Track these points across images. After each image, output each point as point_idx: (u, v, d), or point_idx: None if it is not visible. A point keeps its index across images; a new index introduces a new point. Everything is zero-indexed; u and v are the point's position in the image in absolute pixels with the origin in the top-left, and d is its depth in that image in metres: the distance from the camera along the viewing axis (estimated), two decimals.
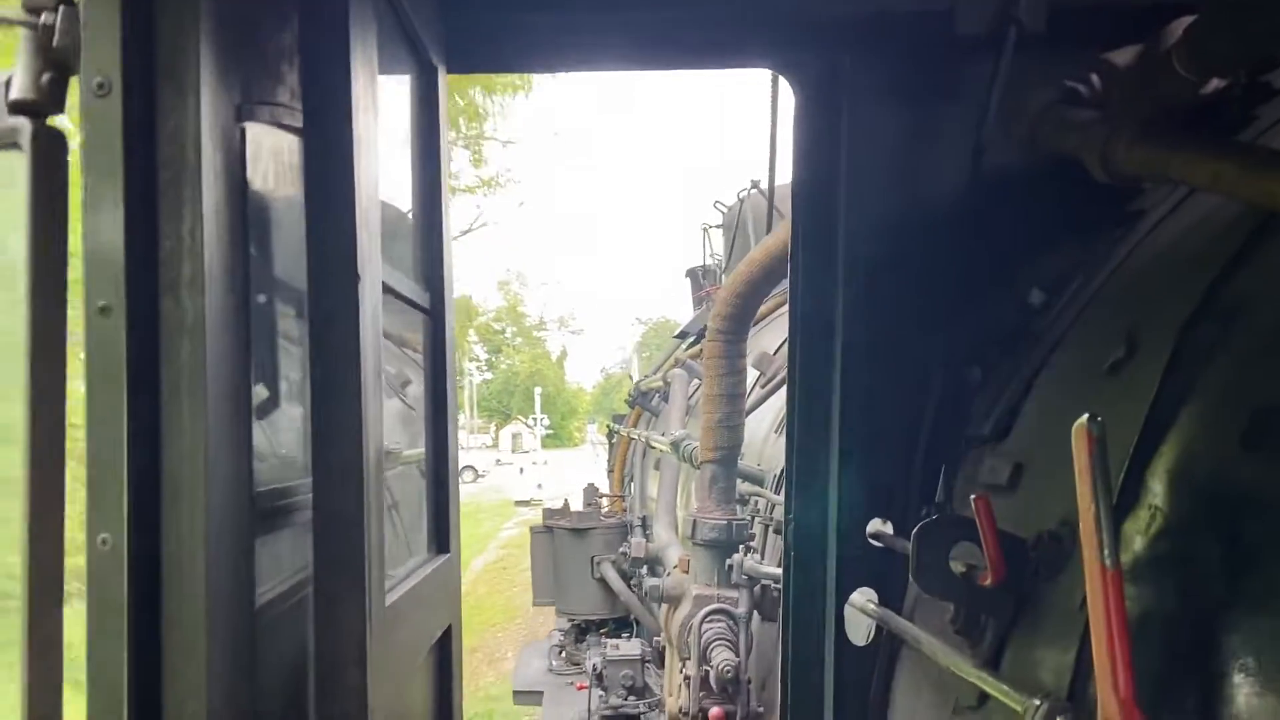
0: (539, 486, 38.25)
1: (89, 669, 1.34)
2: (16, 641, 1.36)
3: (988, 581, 2.03)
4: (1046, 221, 2.69)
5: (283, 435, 1.89)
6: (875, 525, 2.74)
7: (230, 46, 1.56)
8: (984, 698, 2.09)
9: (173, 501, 1.39)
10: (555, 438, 77.65)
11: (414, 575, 2.25)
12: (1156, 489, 1.79)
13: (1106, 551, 1.55)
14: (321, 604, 1.72)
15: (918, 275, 2.78)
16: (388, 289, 2.02)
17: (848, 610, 2.69)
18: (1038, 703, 1.73)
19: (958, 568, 2.12)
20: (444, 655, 2.49)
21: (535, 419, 51.52)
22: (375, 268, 1.88)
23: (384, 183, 2.12)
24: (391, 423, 2.79)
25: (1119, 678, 1.49)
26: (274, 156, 1.79)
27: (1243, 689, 1.49)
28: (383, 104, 2.08)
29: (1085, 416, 1.64)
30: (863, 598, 2.66)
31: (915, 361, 2.81)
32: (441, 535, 2.58)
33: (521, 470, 41.90)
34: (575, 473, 25.93)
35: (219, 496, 1.44)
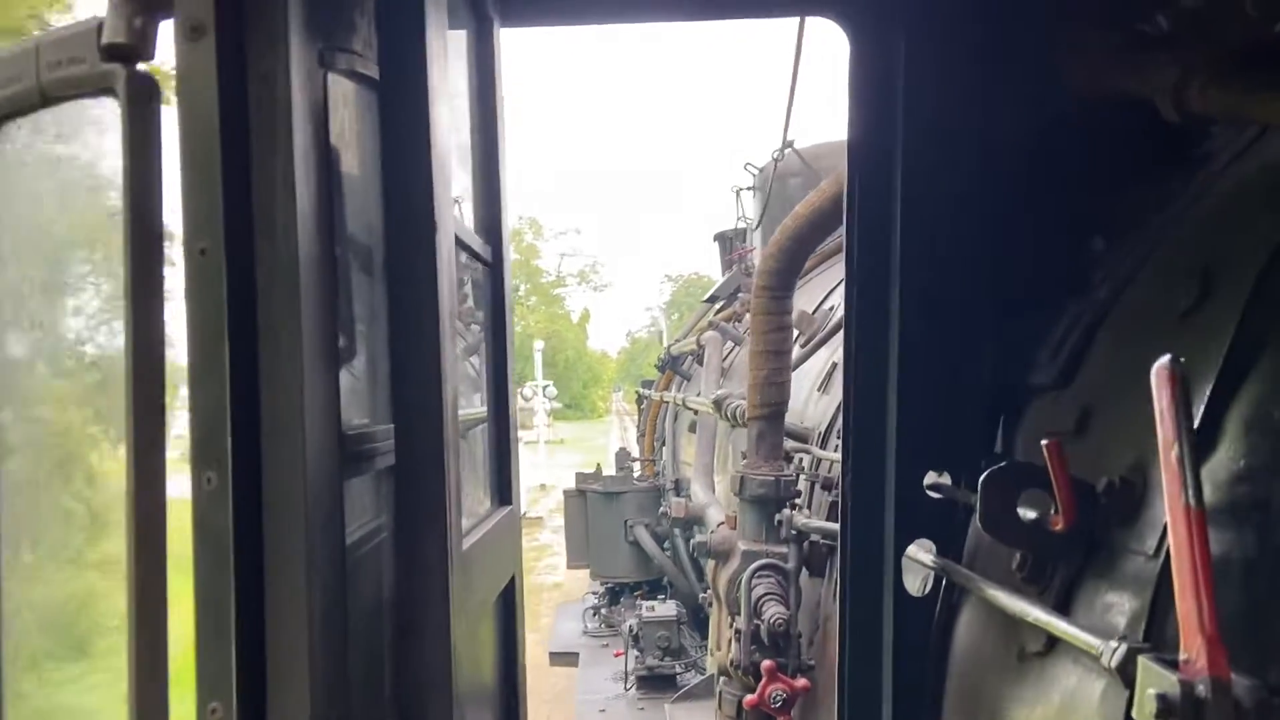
0: (540, 488, 30.05)
1: (197, 601, 1.38)
2: (122, 614, 1.40)
3: (1059, 526, 2.03)
4: (1111, 165, 2.65)
5: (363, 381, 1.92)
6: (933, 476, 2.73)
7: None
8: (1052, 643, 2.10)
9: (271, 440, 1.42)
10: (575, 409, 71.69)
11: (484, 524, 2.29)
12: (1235, 433, 1.78)
13: (1190, 491, 1.55)
14: (404, 546, 1.75)
15: (978, 222, 2.75)
16: (459, 242, 2.03)
17: (905, 561, 2.70)
18: (1114, 644, 1.73)
19: (1026, 514, 2.12)
20: (509, 603, 2.54)
21: (537, 387, 35.65)
22: (448, 219, 1.89)
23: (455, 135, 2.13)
24: (465, 378, 2.82)
25: (1204, 615, 1.49)
26: (349, 105, 1.80)
27: None
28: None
29: (1166, 357, 1.63)
30: (920, 549, 2.67)
31: (974, 311, 2.79)
32: (504, 487, 2.61)
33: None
34: (594, 457, 20.21)
35: (314, 436, 1.47)
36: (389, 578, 1.86)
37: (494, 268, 2.59)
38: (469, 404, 2.81)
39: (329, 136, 1.62)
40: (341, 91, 1.75)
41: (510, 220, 2.73)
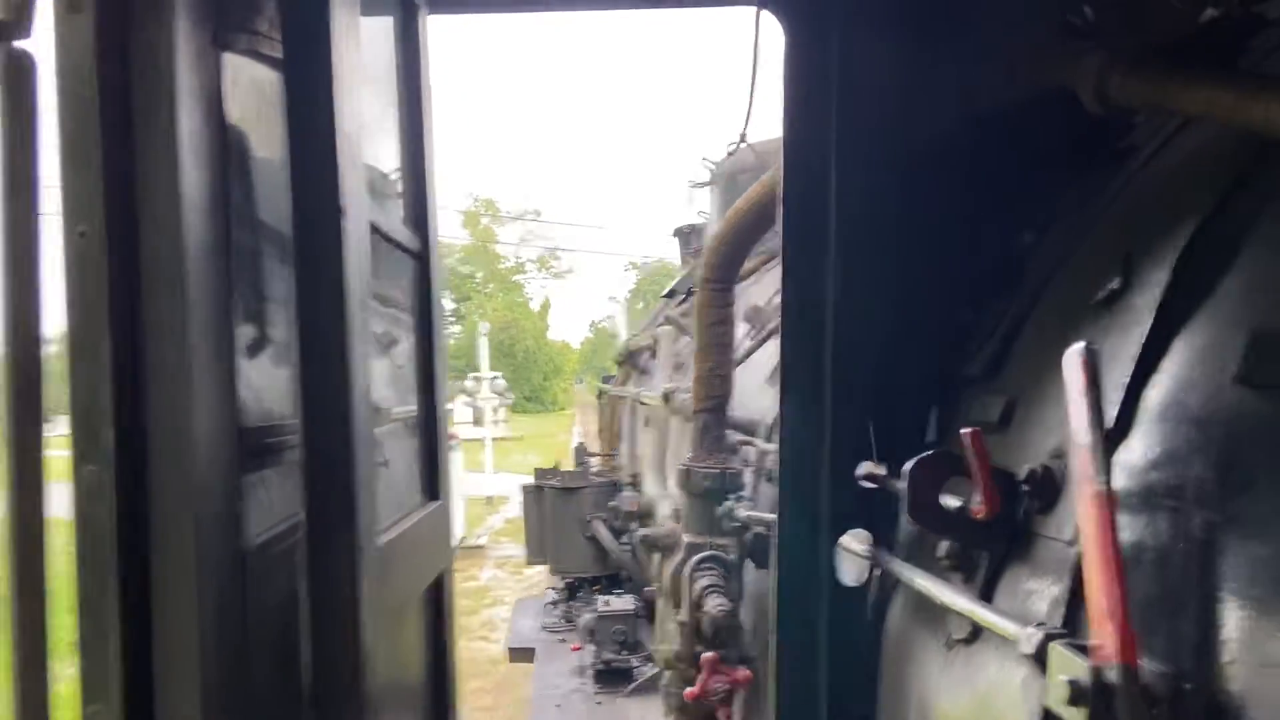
0: (486, 502, 24.22)
1: (79, 600, 1.33)
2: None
3: (981, 515, 2.03)
4: (1040, 157, 2.66)
5: (273, 374, 1.86)
6: (867, 467, 2.73)
7: None
8: (977, 631, 2.10)
9: (158, 433, 1.37)
10: (535, 402, 68.54)
11: (406, 520, 2.24)
12: (1150, 419, 1.79)
13: (1099, 477, 1.55)
14: (313, 543, 1.70)
15: (911, 215, 2.75)
16: (376, 229, 1.98)
17: (839, 551, 2.69)
18: (1031, 631, 1.73)
19: (951, 503, 2.12)
20: (437, 600, 2.49)
21: (483, 379, 29.55)
22: (361, 204, 1.84)
23: (373, 124, 2.07)
24: (390, 372, 2.76)
25: (1112, 602, 1.49)
26: (255, 88, 1.75)
27: (1233, 615, 1.49)
28: (365, 43, 2.03)
29: (1079, 345, 1.64)
30: (854, 539, 2.66)
31: (907, 303, 2.80)
32: (432, 482, 2.56)
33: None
34: (556, 457, 15.68)
35: (205, 429, 1.42)
36: (303, 577, 1.81)
37: (421, 258, 2.54)
38: (405, 398, 2.77)
39: (224, 118, 1.57)
40: (243, 72, 1.70)
41: (439, 212, 2.68)
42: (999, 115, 2.73)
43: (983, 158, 2.72)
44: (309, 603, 1.74)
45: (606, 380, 16.08)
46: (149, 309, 1.37)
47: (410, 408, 2.66)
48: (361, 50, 1.87)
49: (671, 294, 12.99)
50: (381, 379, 2.34)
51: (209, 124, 1.49)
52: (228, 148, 1.59)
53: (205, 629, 1.39)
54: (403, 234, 2.38)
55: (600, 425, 15.57)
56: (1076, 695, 1.49)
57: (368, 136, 2.04)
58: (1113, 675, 1.47)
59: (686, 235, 13.38)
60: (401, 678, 2.21)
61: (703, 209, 12.25)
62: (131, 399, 1.36)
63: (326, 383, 1.69)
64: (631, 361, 12.56)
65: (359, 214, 1.81)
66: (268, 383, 1.86)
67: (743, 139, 9.27)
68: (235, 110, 1.64)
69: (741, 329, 6.64)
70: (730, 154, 8.80)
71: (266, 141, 1.78)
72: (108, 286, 1.33)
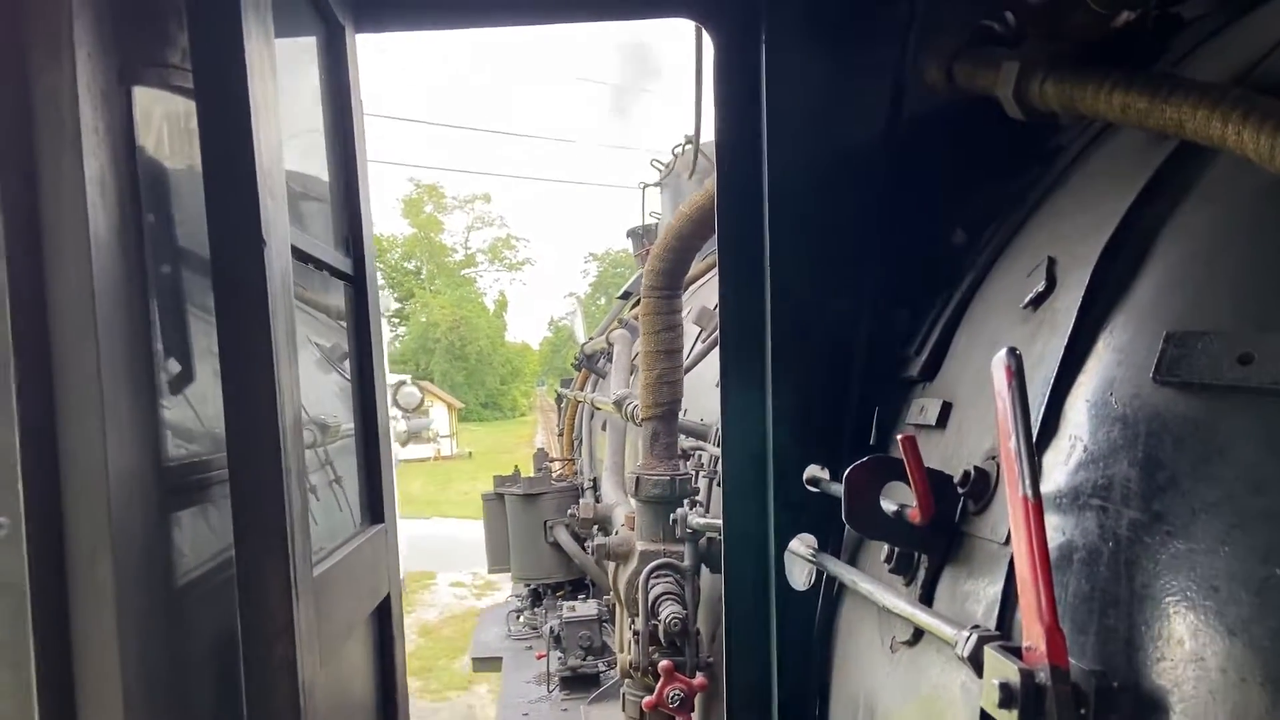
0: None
1: None
2: None
3: (917, 519, 2.05)
4: (969, 161, 2.69)
5: (199, 409, 1.83)
6: (812, 471, 2.75)
7: (109, 3, 1.48)
8: (919, 633, 2.12)
9: (72, 478, 1.34)
10: (493, 408, 63.86)
11: (345, 546, 2.21)
12: (1076, 419, 1.82)
13: (1026, 482, 1.57)
14: (244, 577, 1.68)
15: (843, 220, 2.78)
16: (299, 253, 1.96)
17: (787, 556, 2.71)
18: (967, 633, 1.76)
19: (889, 507, 2.14)
20: (383, 624, 2.47)
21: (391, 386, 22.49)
22: (283, 232, 1.82)
23: (299, 147, 2.04)
24: (330, 396, 2.74)
25: (1041, 604, 1.51)
26: (169, 121, 1.72)
27: (1161, 612, 1.52)
28: (290, 65, 2.01)
29: (1004, 350, 1.66)
30: (801, 543, 2.68)
31: (845, 307, 2.82)
32: (375, 505, 2.54)
33: None
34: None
35: (123, 470, 1.39)
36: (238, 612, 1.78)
37: (356, 280, 2.51)
38: (343, 422, 2.74)
39: (135, 154, 1.54)
40: (158, 107, 1.67)
41: (372, 229, 2.65)
42: (928, 117, 2.76)
43: (913, 159, 2.75)
44: (241, 635, 1.71)
45: (565, 384, 16.05)
46: (58, 351, 1.34)
47: (349, 431, 2.63)
48: (277, 78, 1.84)
49: (626, 295, 12.99)
50: (317, 404, 2.31)
51: (117, 160, 1.47)
52: (141, 183, 1.56)
53: (129, 673, 1.37)
54: (334, 257, 2.35)
55: (560, 429, 15.53)
56: (1006, 697, 1.51)
57: (294, 161, 2.01)
58: (1043, 677, 1.49)
59: (640, 236, 13.39)
60: (347, 704, 2.19)
61: (654, 209, 12.27)
62: (41, 445, 1.34)
63: (252, 414, 1.67)
64: (589, 364, 12.54)
65: (281, 244, 1.79)
66: (195, 418, 1.83)
67: (688, 141, 9.28)
68: (150, 145, 1.61)
69: (693, 332, 6.66)
70: (676, 156, 8.82)
71: (187, 175, 1.76)
72: (10, 329, 1.30)
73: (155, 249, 1.63)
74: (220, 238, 1.68)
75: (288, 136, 1.91)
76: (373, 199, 2.49)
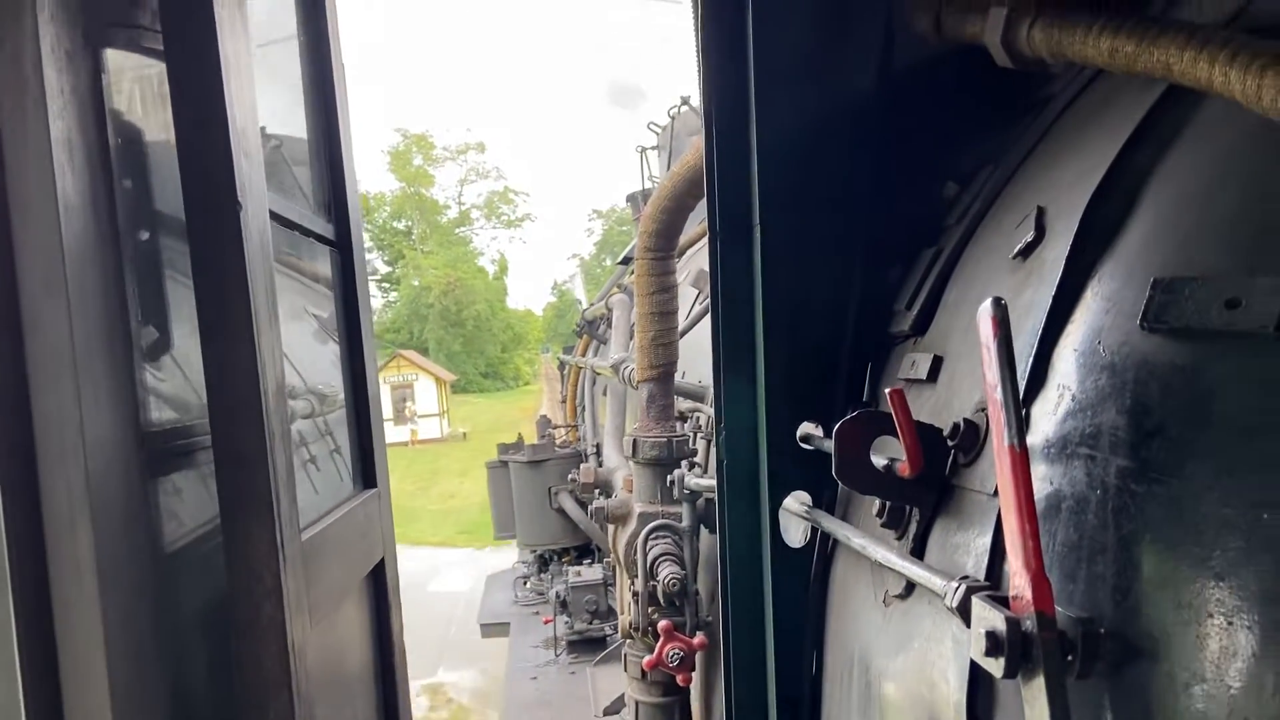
0: None
1: None
2: None
3: (907, 473, 2.04)
4: (959, 113, 2.66)
5: (182, 375, 1.82)
6: (805, 428, 2.74)
7: None
8: (911, 586, 2.13)
9: (47, 444, 1.33)
10: (494, 377, 60.22)
11: (335, 511, 2.21)
12: (1064, 369, 1.81)
13: (1012, 431, 1.56)
14: (230, 541, 1.68)
15: (833, 174, 2.75)
16: (277, 217, 1.93)
17: (781, 514, 2.71)
18: (955, 584, 1.76)
19: (879, 462, 2.14)
20: (378, 587, 2.47)
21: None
22: (259, 195, 1.80)
23: (278, 106, 2.01)
24: (320, 363, 2.72)
25: (1027, 552, 1.51)
26: (142, 84, 1.69)
27: (1147, 559, 1.52)
28: (266, 23, 1.97)
29: (990, 300, 1.64)
30: (795, 501, 2.68)
31: (836, 262, 2.80)
32: (367, 471, 2.54)
33: None
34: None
35: (100, 436, 1.38)
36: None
37: (340, 245, 2.49)
38: (333, 387, 2.73)
39: (105, 117, 1.52)
40: (129, 68, 1.64)
41: (357, 191, 2.61)
42: (917, 69, 2.72)
43: (902, 114, 2.71)
44: (230, 600, 1.71)
45: (568, 351, 16.08)
46: (28, 316, 1.33)
47: (339, 397, 2.62)
48: (250, 33, 1.81)
49: (626, 261, 12.96)
50: (304, 370, 2.30)
51: (86, 124, 1.44)
52: (114, 146, 1.54)
53: (113, 642, 1.37)
54: (316, 222, 2.33)
55: (563, 396, 15.59)
56: (993, 646, 1.51)
57: (270, 123, 1.98)
58: (1029, 624, 1.49)
59: (638, 200, 13.33)
60: (342, 668, 2.20)
61: (651, 174, 12.20)
62: (17, 411, 1.33)
63: (233, 379, 1.65)
64: (590, 330, 12.54)
65: (258, 206, 1.77)
66: (178, 385, 1.82)
67: (685, 101, 9.21)
68: (124, 108, 1.59)
69: (690, 294, 6.64)
70: (672, 118, 8.75)
71: (164, 139, 1.73)
72: None
73: (130, 213, 1.61)
74: (194, 201, 1.66)
75: (265, 95, 1.89)
76: (356, 154, 2.47)
